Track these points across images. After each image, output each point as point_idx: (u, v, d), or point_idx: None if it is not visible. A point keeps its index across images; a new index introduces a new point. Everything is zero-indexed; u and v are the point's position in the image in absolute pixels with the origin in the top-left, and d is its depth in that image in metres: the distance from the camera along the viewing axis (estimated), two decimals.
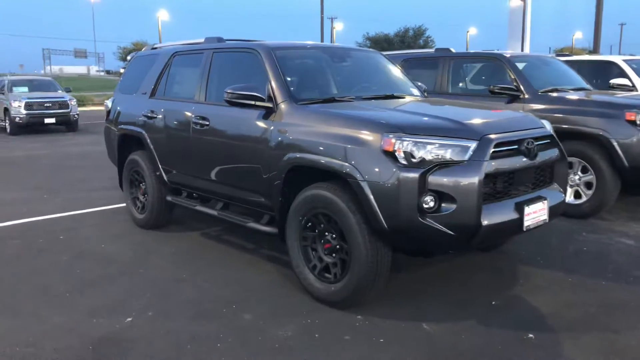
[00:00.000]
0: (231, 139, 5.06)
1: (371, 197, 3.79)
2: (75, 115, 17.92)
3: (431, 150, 3.74)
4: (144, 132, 6.11)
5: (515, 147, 4.04)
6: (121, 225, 6.53)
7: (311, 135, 4.26)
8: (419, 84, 6.00)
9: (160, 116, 5.88)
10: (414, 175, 3.67)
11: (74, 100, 18.26)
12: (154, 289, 4.63)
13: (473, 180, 3.68)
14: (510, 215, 3.95)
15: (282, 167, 4.45)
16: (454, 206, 3.68)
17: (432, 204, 3.71)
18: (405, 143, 3.75)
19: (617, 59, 9.60)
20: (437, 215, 3.71)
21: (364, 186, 3.81)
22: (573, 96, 7.00)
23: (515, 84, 7.25)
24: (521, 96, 7.15)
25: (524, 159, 4.06)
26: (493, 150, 3.82)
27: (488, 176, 3.79)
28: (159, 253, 5.57)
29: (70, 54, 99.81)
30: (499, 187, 3.96)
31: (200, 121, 5.31)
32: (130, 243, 5.91)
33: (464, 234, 3.75)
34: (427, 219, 3.70)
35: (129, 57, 7.36)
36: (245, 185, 5.02)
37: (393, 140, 3.77)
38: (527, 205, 4.02)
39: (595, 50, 26.63)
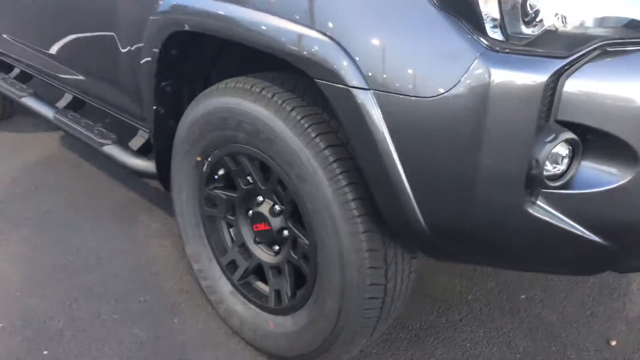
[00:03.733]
0: None
1: (389, 142, 1.30)
2: None
3: None
4: None
5: None
6: None
7: None
8: None
9: None
10: (539, 75, 1.15)
11: None
12: None
13: None
14: None
15: (155, 29, 1.83)
16: (624, 175, 1.26)
17: (562, 165, 1.28)
18: None
19: None
20: (572, 196, 1.29)
21: (369, 110, 1.29)
22: None
23: None
24: None
25: None
26: None
27: None
28: None
29: None
30: None
31: None
32: None
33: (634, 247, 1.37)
34: (546, 206, 1.28)
35: None
36: (95, 68, 2.40)
37: None
38: None
39: None
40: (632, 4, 1.23)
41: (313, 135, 1.47)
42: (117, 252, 2.48)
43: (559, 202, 1.29)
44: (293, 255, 1.73)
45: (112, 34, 2.09)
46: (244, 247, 1.91)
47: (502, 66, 1.15)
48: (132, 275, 2.34)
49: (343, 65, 1.28)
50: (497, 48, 1.17)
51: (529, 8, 1.20)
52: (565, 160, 1.28)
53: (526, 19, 1.20)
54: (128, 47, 2.02)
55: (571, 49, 1.18)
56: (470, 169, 1.23)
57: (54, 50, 2.62)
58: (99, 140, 2.46)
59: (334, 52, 1.30)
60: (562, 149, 1.26)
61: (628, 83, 1.20)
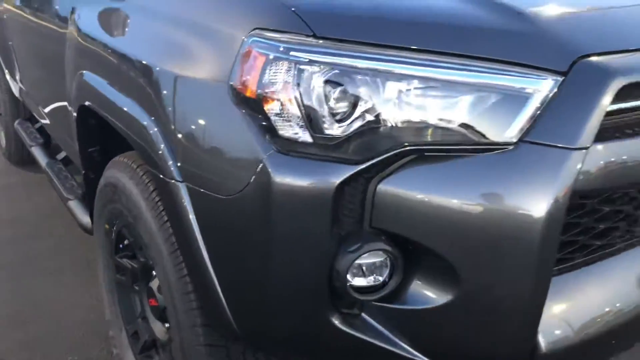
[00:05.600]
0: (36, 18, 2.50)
1: (199, 238, 1.24)
2: None
3: (400, 95, 1.10)
4: None
5: None
6: None
7: (109, 24, 1.65)
8: None
9: None
10: (328, 181, 1.06)
11: None
12: None
13: (530, 205, 1.03)
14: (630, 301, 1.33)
15: (74, 100, 1.91)
16: (445, 295, 1.09)
17: (378, 276, 1.14)
18: (309, 70, 1.10)
19: None
20: (393, 311, 1.15)
21: (183, 200, 1.24)
22: None
23: None
24: None
25: None
26: (613, 107, 1.13)
27: (582, 195, 1.16)
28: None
29: None
30: (605, 222, 1.30)
31: None
32: None
33: None
34: (369, 318, 1.15)
35: None
36: (64, 131, 2.53)
37: (267, 56, 1.12)
38: None
39: None
40: (451, 110, 1.09)
41: (165, 219, 1.44)
42: (70, 306, 2.54)
43: (380, 316, 1.16)
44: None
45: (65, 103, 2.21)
46: (145, 319, 1.89)
47: (286, 170, 1.06)
48: (70, 333, 2.37)
49: (161, 156, 1.25)
50: (286, 151, 1.08)
51: (340, 107, 1.10)
52: (387, 272, 1.15)
53: (336, 119, 1.10)
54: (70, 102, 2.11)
55: (377, 152, 1.07)
56: (268, 275, 1.13)
57: (44, 111, 2.81)
58: (65, 195, 2.56)
59: (157, 141, 1.27)
60: (376, 260, 1.13)
61: (444, 192, 1.07)
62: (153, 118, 1.30)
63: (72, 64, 1.90)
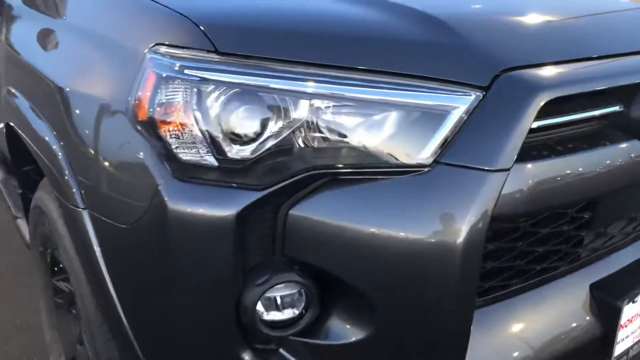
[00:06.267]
0: None
1: (103, 268, 1.15)
2: None
3: (310, 114, 1.01)
4: None
5: (615, 108, 1.24)
6: None
7: (31, 38, 1.56)
8: None
9: None
10: (228, 210, 0.97)
11: None
12: None
13: (444, 232, 0.95)
14: (571, 328, 1.24)
15: (1, 116, 1.82)
16: (363, 329, 1.01)
17: (295, 309, 1.06)
18: (206, 90, 0.98)
19: None
20: (310, 345, 1.07)
21: (86, 228, 1.16)
22: None
23: None
24: None
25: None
26: (538, 123, 1.06)
27: (509, 218, 1.08)
28: None
29: None
30: (538, 245, 1.21)
31: None
32: None
33: None
34: (272, 358, 1.07)
35: None
36: None
37: (159, 75, 1.00)
38: (629, 298, 1.29)
39: None
40: (365, 130, 1.01)
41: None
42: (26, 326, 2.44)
43: (299, 351, 1.07)
44: None
45: None
46: (83, 345, 1.80)
47: (183, 198, 0.97)
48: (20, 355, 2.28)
49: (66, 181, 1.17)
50: (186, 177, 0.99)
51: (244, 129, 1.01)
52: (302, 304, 1.06)
53: (242, 141, 1.02)
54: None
55: (283, 176, 0.99)
56: (173, 310, 1.05)
57: None
58: (14, 213, 2.48)
59: (64, 166, 1.19)
60: (291, 291, 1.05)
61: (354, 218, 0.99)
62: (62, 143, 1.21)
63: (2, 75, 1.81)
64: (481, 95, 1.01)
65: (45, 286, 1.91)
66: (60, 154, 1.20)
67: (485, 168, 0.97)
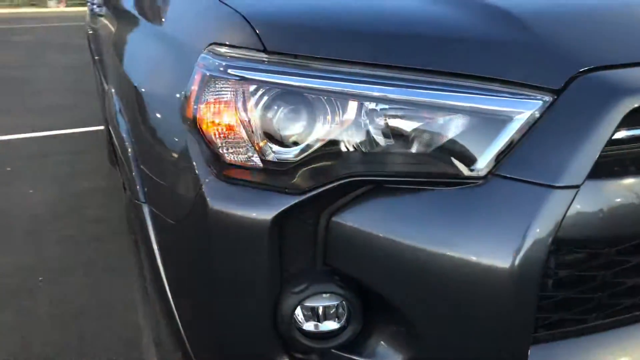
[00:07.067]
0: None
1: (157, 257, 1.16)
2: None
3: (359, 118, 0.95)
4: None
5: None
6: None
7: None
8: None
9: None
10: (264, 213, 0.93)
11: None
12: None
13: (495, 254, 0.84)
14: None
15: None
16: (403, 351, 0.93)
17: (330, 320, 1.01)
18: (250, 90, 0.95)
19: None
20: None
21: (145, 220, 1.18)
22: None
23: None
24: None
25: None
26: (618, 135, 0.90)
27: (578, 241, 0.93)
28: None
29: None
30: (626, 276, 1.02)
31: None
32: None
33: None
34: None
35: None
36: None
37: (204, 74, 0.98)
38: None
39: None
40: (417, 137, 0.92)
41: None
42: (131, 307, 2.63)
43: None
44: None
45: None
46: None
47: (223, 199, 0.96)
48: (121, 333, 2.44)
49: (132, 176, 1.22)
50: (229, 178, 0.97)
51: (289, 130, 0.97)
52: (344, 317, 1.01)
53: (287, 143, 0.98)
54: None
55: (322, 182, 0.94)
56: (216, 309, 1.04)
57: None
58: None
59: (131, 161, 1.24)
60: (334, 303, 0.99)
61: (396, 231, 0.91)
62: (133, 140, 1.27)
63: (110, 75, 1.95)
64: (551, 99, 0.88)
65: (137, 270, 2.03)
66: (130, 150, 1.26)
67: (550, 184, 0.84)
